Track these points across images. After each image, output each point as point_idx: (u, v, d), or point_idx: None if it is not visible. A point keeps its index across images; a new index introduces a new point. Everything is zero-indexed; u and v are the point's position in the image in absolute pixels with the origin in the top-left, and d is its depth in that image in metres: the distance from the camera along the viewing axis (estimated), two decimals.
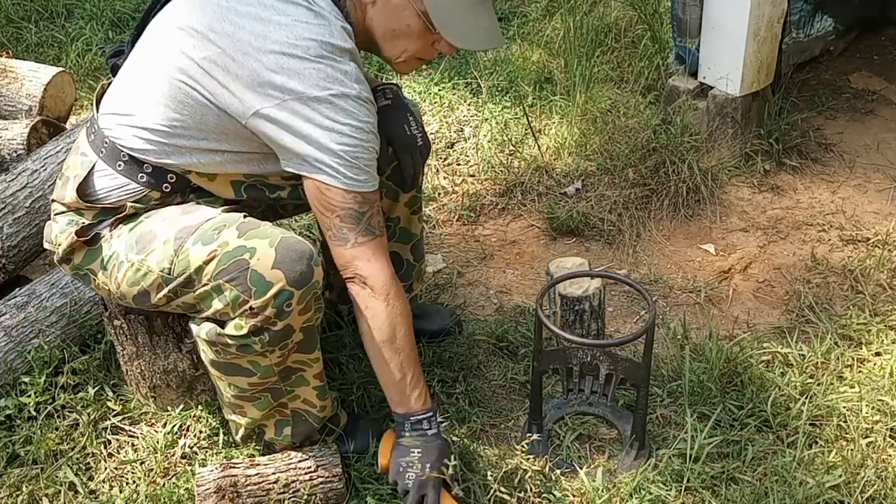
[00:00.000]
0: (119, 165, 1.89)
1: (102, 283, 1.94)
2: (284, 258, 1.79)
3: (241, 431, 2.08)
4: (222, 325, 1.85)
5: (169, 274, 1.85)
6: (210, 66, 1.76)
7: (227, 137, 1.83)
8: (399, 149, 2.08)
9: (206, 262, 1.81)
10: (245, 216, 1.89)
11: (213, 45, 1.76)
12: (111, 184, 1.90)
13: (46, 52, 3.96)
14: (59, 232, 1.94)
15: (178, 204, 1.94)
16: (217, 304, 1.83)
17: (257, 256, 1.78)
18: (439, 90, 3.60)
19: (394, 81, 2.22)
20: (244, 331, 1.81)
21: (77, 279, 2.03)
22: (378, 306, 1.87)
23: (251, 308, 1.79)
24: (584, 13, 3.78)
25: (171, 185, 1.90)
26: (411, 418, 1.96)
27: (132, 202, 1.90)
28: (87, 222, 1.91)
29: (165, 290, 1.86)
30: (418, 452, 1.94)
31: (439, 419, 2.01)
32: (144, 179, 1.89)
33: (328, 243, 1.89)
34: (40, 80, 3.14)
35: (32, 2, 4.32)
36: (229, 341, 1.84)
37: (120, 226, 1.91)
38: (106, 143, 1.90)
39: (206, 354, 1.92)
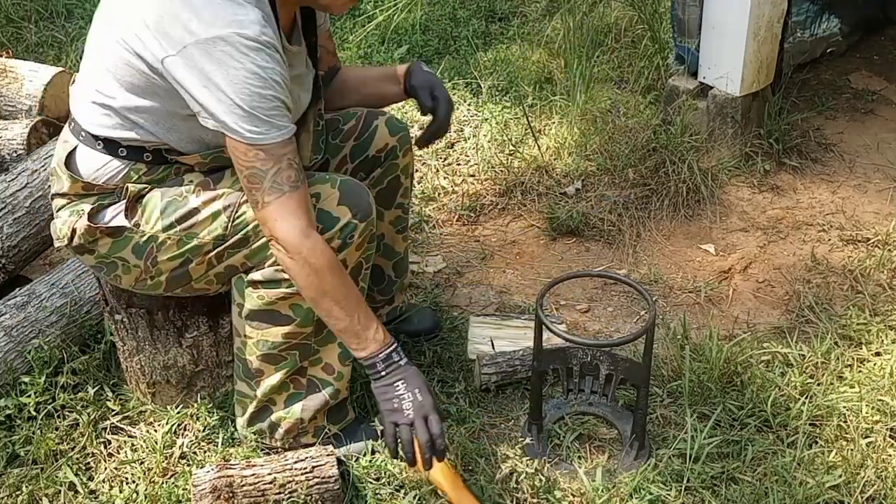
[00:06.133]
0: (98, 145, 1.92)
1: (134, 266, 1.95)
2: (349, 194, 1.92)
3: (251, 408, 2.08)
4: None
5: (222, 241, 1.91)
6: (132, 19, 1.76)
7: (158, 97, 1.82)
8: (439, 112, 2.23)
9: None
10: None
11: (136, 2, 1.76)
12: (96, 163, 1.93)
13: (46, 52, 3.96)
14: (62, 224, 1.96)
15: (169, 174, 1.95)
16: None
17: (323, 198, 1.90)
18: None
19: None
20: None
21: (98, 268, 2.01)
22: (294, 267, 1.84)
23: None
24: (584, 13, 3.78)
25: (151, 155, 1.93)
26: (380, 354, 1.88)
27: (127, 181, 1.92)
28: (90, 207, 1.93)
29: (213, 253, 1.92)
30: (403, 384, 1.87)
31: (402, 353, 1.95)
32: (125, 154, 1.92)
33: None
34: (40, 80, 3.15)
35: (32, 2, 4.32)
36: (285, 275, 1.89)
37: (143, 213, 1.93)
38: (82, 129, 1.93)
39: (248, 304, 1.96)
